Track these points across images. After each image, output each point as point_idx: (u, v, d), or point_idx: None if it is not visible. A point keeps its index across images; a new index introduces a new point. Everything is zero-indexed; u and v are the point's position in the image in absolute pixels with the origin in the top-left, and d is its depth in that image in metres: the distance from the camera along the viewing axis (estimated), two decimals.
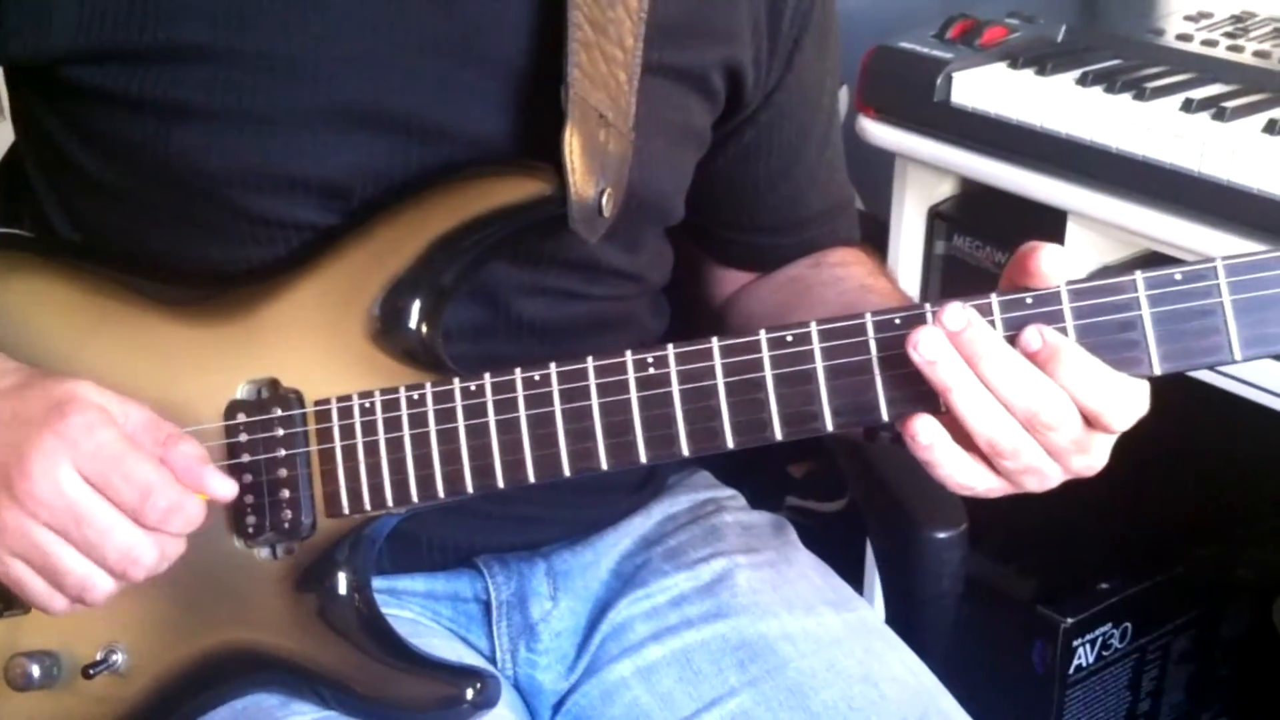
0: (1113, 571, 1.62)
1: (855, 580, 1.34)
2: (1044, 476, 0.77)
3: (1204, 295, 0.73)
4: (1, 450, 0.78)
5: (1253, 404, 1.29)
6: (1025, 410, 0.73)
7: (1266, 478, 1.81)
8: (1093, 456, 0.77)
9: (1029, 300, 0.75)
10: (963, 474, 0.76)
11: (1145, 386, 0.75)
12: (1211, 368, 0.79)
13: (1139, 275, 0.74)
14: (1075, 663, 1.58)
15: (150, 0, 0.82)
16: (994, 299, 0.75)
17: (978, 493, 0.77)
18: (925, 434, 0.74)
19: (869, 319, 0.76)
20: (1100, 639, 1.60)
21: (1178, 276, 0.73)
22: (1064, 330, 0.74)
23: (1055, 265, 0.75)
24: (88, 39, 0.82)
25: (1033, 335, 0.73)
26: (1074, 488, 0.78)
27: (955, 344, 0.73)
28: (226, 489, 0.81)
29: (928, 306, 0.75)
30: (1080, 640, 1.58)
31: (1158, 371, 0.74)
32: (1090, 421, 0.74)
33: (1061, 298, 0.74)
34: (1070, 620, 1.56)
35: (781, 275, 1.08)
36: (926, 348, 0.73)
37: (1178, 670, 1.70)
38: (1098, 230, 1.40)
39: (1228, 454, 1.67)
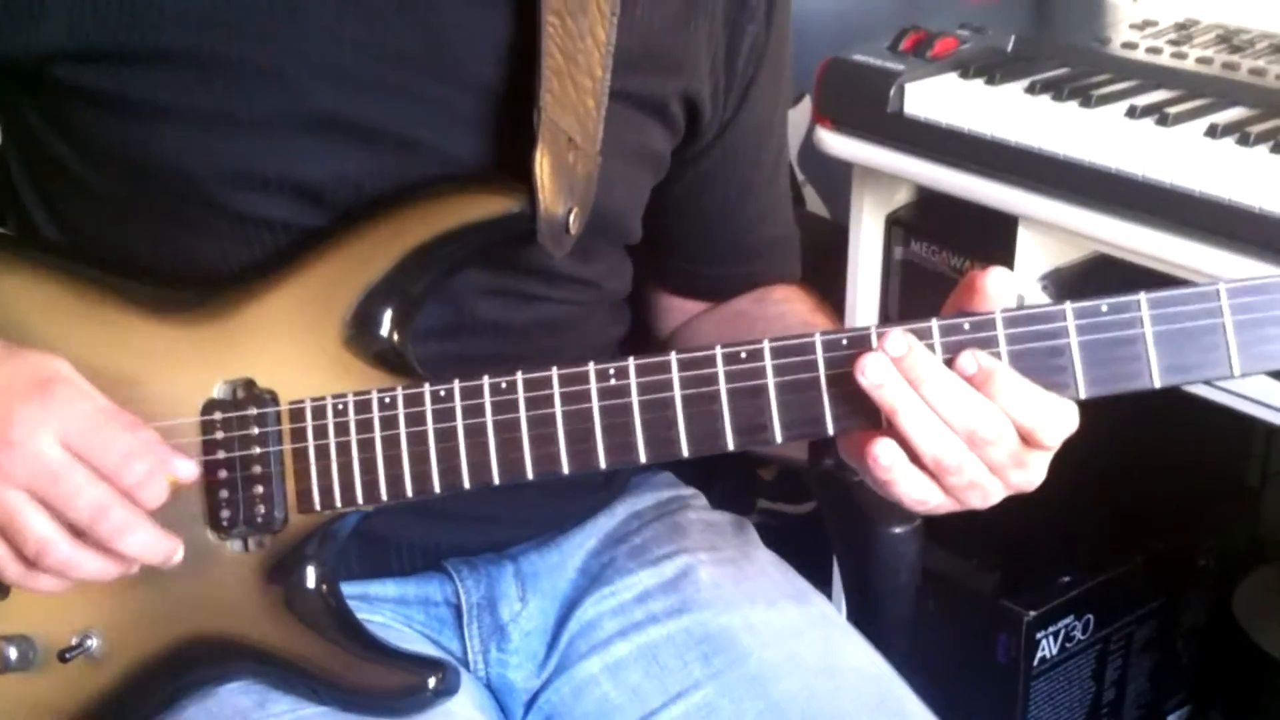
0: (1074, 564, 1.66)
1: (824, 579, 1.38)
2: (986, 492, 0.81)
3: (1128, 326, 0.78)
4: None
5: (1207, 400, 1.33)
6: (965, 428, 0.78)
7: (1222, 468, 1.86)
8: (1030, 472, 0.81)
9: (966, 326, 0.79)
10: (917, 491, 0.80)
11: (1074, 406, 0.80)
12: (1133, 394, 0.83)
13: (1069, 305, 0.78)
14: (1039, 654, 1.62)
15: (138, 5, 0.85)
16: (934, 323, 0.79)
17: (929, 509, 0.82)
18: (885, 456, 0.78)
19: (818, 338, 0.80)
20: (1063, 631, 1.64)
21: (1104, 308, 0.78)
22: (998, 355, 0.78)
23: (1000, 287, 0.80)
24: (76, 40, 0.86)
25: (968, 360, 0.78)
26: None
27: (898, 368, 0.77)
28: (187, 469, 0.84)
29: (872, 328, 0.80)
30: (1043, 632, 1.61)
31: (1083, 396, 0.78)
32: (1025, 438, 0.79)
33: (996, 324, 0.79)
34: (1033, 613, 1.60)
35: (728, 309, 1.13)
36: (873, 372, 0.77)
37: (1141, 660, 1.74)
38: (1048, 234, 1.44)
39: (1184, 445, 1.71)
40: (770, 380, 0.81)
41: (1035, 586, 1.62)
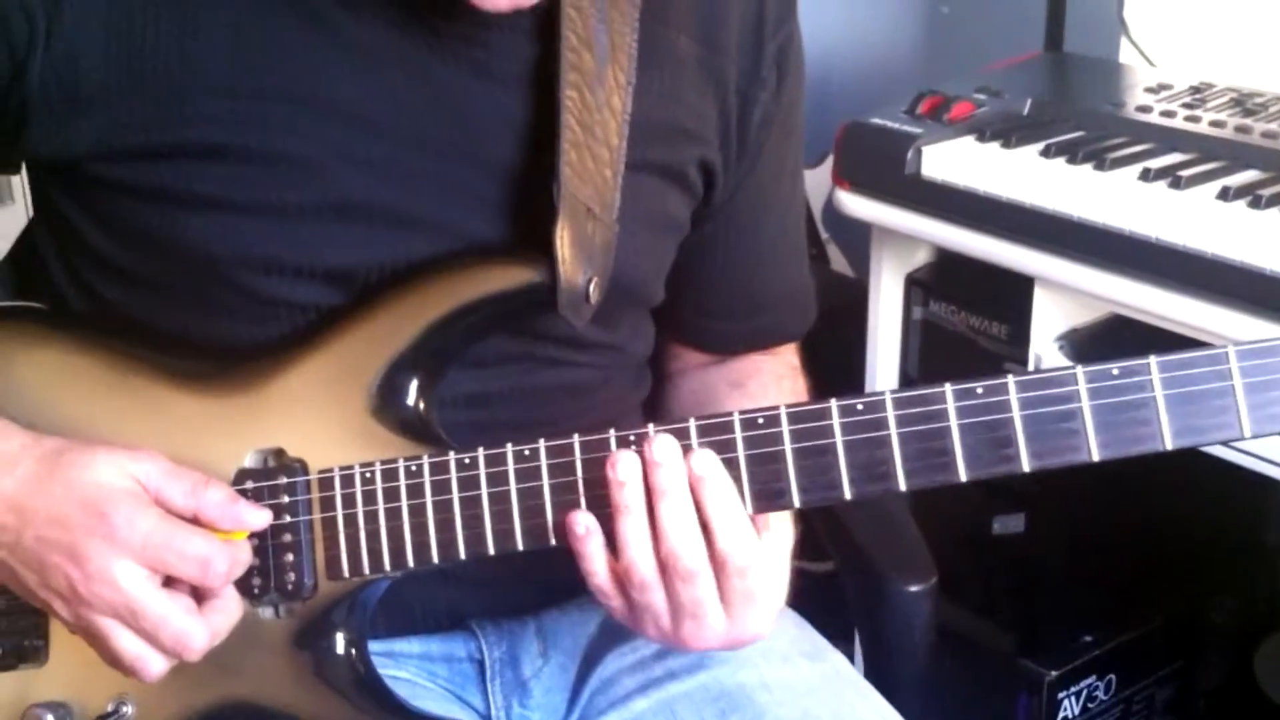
0: (1095, 624, 1.66)
1: (845, 636, 1.38)
2: (658, 620, 0.86)
3: (1139, 390, 0.79)
4: (55, 555, 0.84)
5: (1226, 460, 1.33)
6: (668, 551, 0.83)
7: (1242, 528, 1.85)
8: (702, 626, 0.85)
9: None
10: (599, 579, 0.86)
11: (778, 545, 0.86)
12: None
13: (1080, 370, 0.80)
14: (1061, 715, 1.62)
15: (172, 105, 0.88)
16: (887, 394, 0.82)
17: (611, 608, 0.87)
18: (580, 527, 0.84)
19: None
20: (1085, 691, 1.64)
21: (1115, 371, 0.79)
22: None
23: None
24: (112, 141, 0.88)
25: (697, 463, 0.82)
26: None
27: (648, 473, 0.82)
28: (262, 518, 0.87)
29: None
30: (1065, 693, 1.61)
31: (1096, 458, 0.80)
32: (714, 556, 0.83)
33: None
34: (1055, 673, 1.60)
35: (709, 380, 1.14)
36: (621, 470, 0.83)
37: None
38: (1064, 295, 1.46)
39: (1203, 504, 1.71)
40: (788, 446, 0.82)
41: (1056, 646, 1.63)
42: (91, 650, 0.87)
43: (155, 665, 0.85)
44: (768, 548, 0.86)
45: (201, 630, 0.85)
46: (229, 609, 0.87)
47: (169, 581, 0.85)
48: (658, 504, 0.82)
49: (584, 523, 0.84)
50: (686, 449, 0.83)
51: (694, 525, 0.82)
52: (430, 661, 1.04)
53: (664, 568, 0.83)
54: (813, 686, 1.01)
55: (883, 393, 0.82)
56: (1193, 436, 0.79)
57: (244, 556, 0.86)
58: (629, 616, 0.87)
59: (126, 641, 0.84)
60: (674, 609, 0.85)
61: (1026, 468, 0.80)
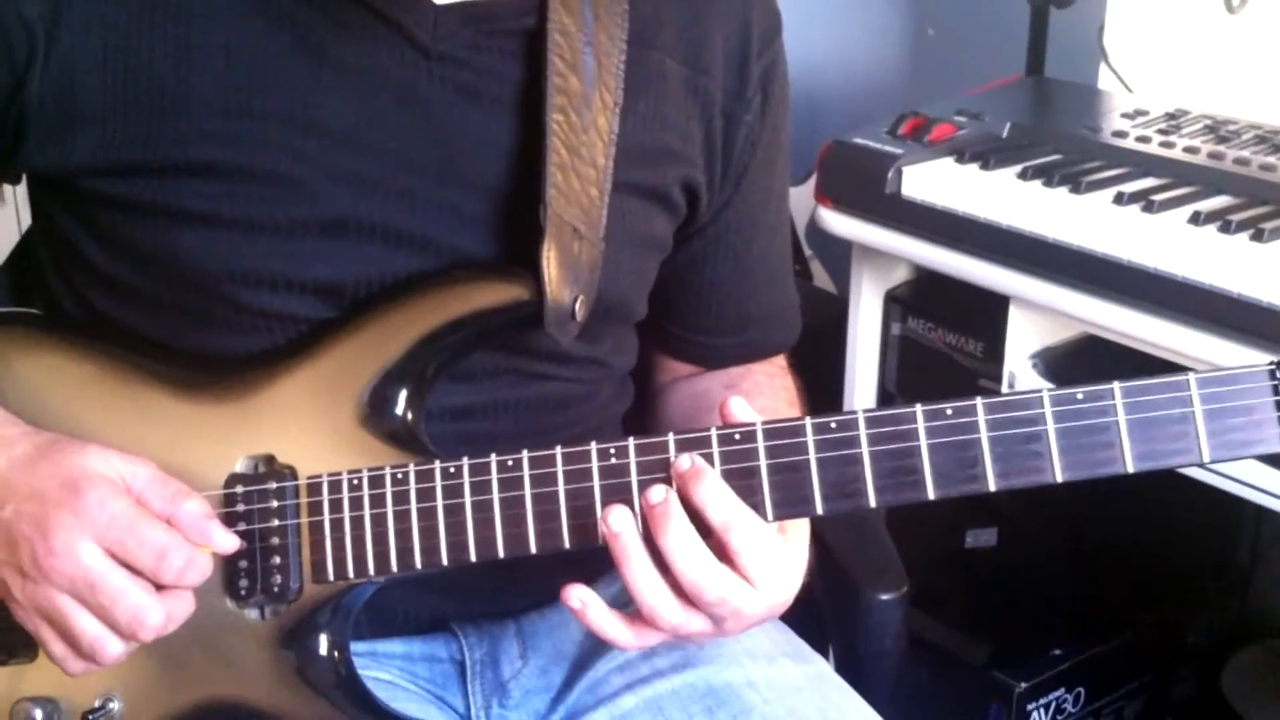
0: (1065, 637, 1.68)
1: (818, 648, 1.41)
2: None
3: (1102, 414, 0.81)
4: (24, 526, 0.86)
5: (1198, 480, 1.36)
6: (690, 585, 0.84)
7: (1213, 546, 1.89)
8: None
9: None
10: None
11: (772, 529, 0.86)
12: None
13: (1045, 393, 0.82)
14: None
15: (167, 124, 0.90)
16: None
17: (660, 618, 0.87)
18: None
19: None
20: (1054, 703, 1.66)
21: (1079, 396, 0.82)
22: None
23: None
24: (107, 157, 0.91)
25: (683, 459, 0.84)
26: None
27: (647, 514, 0.84)
28: (229, 543, 0.89)
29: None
30: (1034, 704, 1.64)
31: (1060, 479, 0.82)
32: (723, 550, 0.84)
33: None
34: (1024, 684, 1.62)
35: (698, 386, 1.16)
36: (614, 521, 0.85)
37: None
38: (1039, 314, 1.48)
39: (1175, 522, 1.74)
40: (763, 462, 0.85)
41: (1026, 658, 1.65)
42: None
43: (112, 647, 0.86)
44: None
45: (158, 609, 0.85)
46: (185, 597, 0.88)
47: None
48: (662, 539, 0.84)
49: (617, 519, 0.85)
50: (668, 479, 0.85)
51: (704, 550, 0.84)
52: (412, 662, 1.07)
53: (693, 601, 0.85)
54: (798, 686, 1.03)
55: (855, 412, 0.84)
56: (1153, 460, 0.82)
57: (202, 563, 0.87)
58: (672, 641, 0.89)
59: (84, 621, 0.85)
60: (715, 620, 0.87)
61: (992, 487, 0.83)
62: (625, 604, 1.09)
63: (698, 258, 1.08)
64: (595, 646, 1.07)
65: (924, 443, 0.83)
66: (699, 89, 1.01)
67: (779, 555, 0.87)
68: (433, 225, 0.94)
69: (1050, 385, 0.84)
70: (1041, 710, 1.64)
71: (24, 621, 0.88)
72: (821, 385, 1.74)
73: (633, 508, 0.86)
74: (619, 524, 0.85)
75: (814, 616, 1.25)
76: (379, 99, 0.92)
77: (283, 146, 0.91)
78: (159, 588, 0.87)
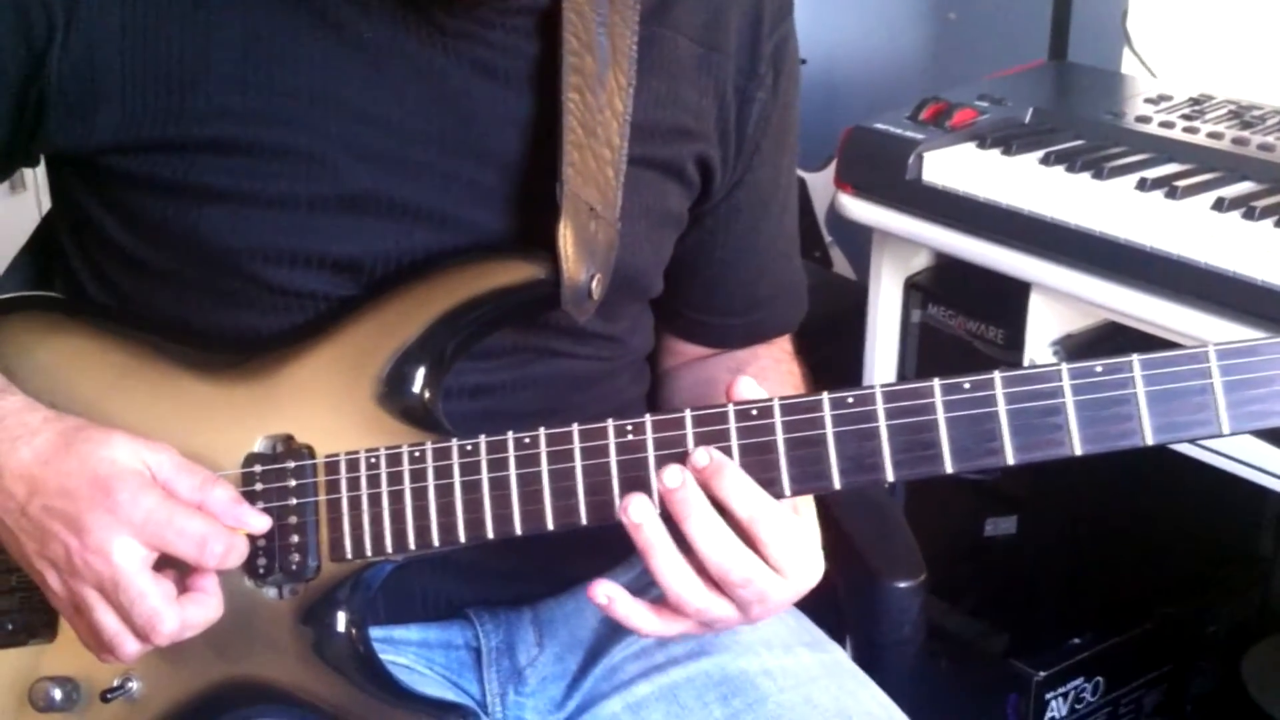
0: (1085, 626, 1.68)
1: (835, 637, 1.40)
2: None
3: (1121, 386, 0.81)
4: (56, 523, 0.86)
5: (1220, 470, 1.35)
6: (717, 568, 0.84)
7: (1235, 537, 1.88)
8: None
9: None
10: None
11: (793, 515, 0.86)
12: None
13: (1064, 366, 0.81)
14: (1049, 715, 1.64)
15: (188, 101, 0.90)
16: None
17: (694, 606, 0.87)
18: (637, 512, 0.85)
19: (826, 398, 0.85)
20: (1073, 693, 1.65)
21: (1098, 369, 0.81)
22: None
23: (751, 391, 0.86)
24: (128, 134, 0.91)
25: (700, 454, 0.84)
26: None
27: (667, 500, 0.84)
28: (262, 523, 0.90)
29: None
30: (1053, 693, 1.63)
31: (1078, 452, 0.81)
32: (749, 539, 0.84)
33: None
34: (1043, 673, 1.62)
35: (704, 372, 1.16)
36: (635, 512, 0.84)
37: None
38: (1060, 301, 1.48)
39: (1196, 513, 1.73)
40: (780, 436, 0.85)
41: (1045, 647, 1.64)
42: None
43: (130, 645, 0.87)
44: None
45: (174, 616, 0.86)
46: (209, 604, 0.88)
47: (161, 569, 0.87)
48: (686, 525, 0.84)
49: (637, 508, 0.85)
50: (684, 455, 0.85)
51: (729, 533, 0.84)
52: (428, 648, 1.06)
53: (719, 584, 0.85)
54: (814, 675, 1.03)
55: (873, 387, 0.84)
56: (1173, 433, 0.81)
57: (240, 545, 0.88)
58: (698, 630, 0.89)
59: (107, 617, 0.87)
60: (741, 605, 0.87)
61: (1011, 460, 0.82)
62: (645, 588, 1.10)
63: (710, 237, 1.08)
64: (611, 634, 1.07)
65: (941, 416, 0.82)
66: (712, 66, 1.01)
67: (804, 541, 0.87)
68: (450, 199, 0.94)
69: None
70: (1060, 700, 1.64)
71: (61, 610, 0.90)
72: (841, 372, 1.74)
73: (650, 486, 0.85)
74: (640, 514, 0.84)
75: (831, 605, 1.25)
76: (396, 74, 0.92)
77: (302, 122, 0.91)
78: (184, 589, 0.88)
